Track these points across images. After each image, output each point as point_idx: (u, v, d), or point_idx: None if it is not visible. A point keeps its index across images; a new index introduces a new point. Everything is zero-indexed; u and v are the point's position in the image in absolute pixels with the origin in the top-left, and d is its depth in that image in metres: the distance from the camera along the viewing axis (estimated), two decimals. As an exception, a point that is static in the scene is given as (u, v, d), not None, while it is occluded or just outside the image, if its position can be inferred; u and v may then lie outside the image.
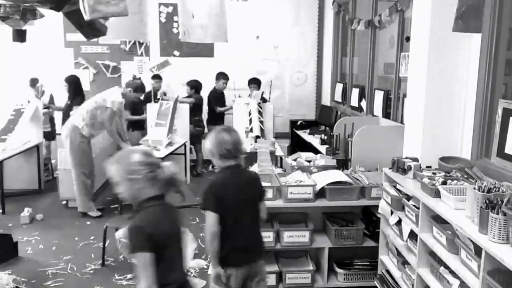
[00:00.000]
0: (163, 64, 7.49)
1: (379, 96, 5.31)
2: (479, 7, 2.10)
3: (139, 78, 6.45)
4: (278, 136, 6.49)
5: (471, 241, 2.15)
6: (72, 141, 5.14)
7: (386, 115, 5.13)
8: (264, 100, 6.61)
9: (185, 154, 6.29)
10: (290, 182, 3.49)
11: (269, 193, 3.40)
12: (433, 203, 2.54)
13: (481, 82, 3.06)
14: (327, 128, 6.77)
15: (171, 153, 5.69)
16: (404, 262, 3.00)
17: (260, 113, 6.08)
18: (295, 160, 4.25)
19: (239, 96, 6.63)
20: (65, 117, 5.89)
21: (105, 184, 6.02)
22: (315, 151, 5.34)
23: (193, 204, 5.64)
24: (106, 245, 4.13)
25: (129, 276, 3.84)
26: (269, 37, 7.58)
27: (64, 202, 5.60)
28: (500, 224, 1.98)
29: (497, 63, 2.98)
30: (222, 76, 6.85)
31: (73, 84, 6.24)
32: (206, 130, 6.80)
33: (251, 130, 5.87)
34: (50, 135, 6.72)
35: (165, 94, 6.88)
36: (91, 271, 3.95)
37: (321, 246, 3.49)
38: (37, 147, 6.08)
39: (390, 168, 3.22)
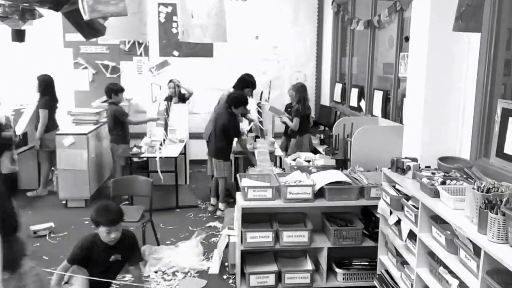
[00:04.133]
0: (162, 64, 7.48)
1: (378, 96, 5.31)
2: (479, 6, 2.11)
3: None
4: (277, 136, 6.48)
5: (470, 241, 2.15)
6: None
7: (385, 115, 5.13)
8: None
9: (185, 153, 6.29)
10: (289, 182, 3.49)
11: (269, 193, 3.41)
12: (432, 203, 2.54)
13: (480, 82, 3.06)
14: (326, 128, 6.77)
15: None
16: (403, 262, 2.99)
17: (259, 113, 6.07)
18: (294, 160, 4.26)
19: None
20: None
21: (106, 182, 6.07)
22: (314, 151, 5.34)
23: (193, 205, 5.66)
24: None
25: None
26: (268, 37, 7.57)
27: (64, 202, 5.60)
28: (499, 224, 1.98)
29: (496, 63, 2.98)
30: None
31: (44, 83, 5.79)
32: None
33: (250, 130, 5.87)
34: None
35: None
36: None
37: (320, 246, 3.50)
38: (37, 147, 6.07)
39: (389, 168, 3.22)
